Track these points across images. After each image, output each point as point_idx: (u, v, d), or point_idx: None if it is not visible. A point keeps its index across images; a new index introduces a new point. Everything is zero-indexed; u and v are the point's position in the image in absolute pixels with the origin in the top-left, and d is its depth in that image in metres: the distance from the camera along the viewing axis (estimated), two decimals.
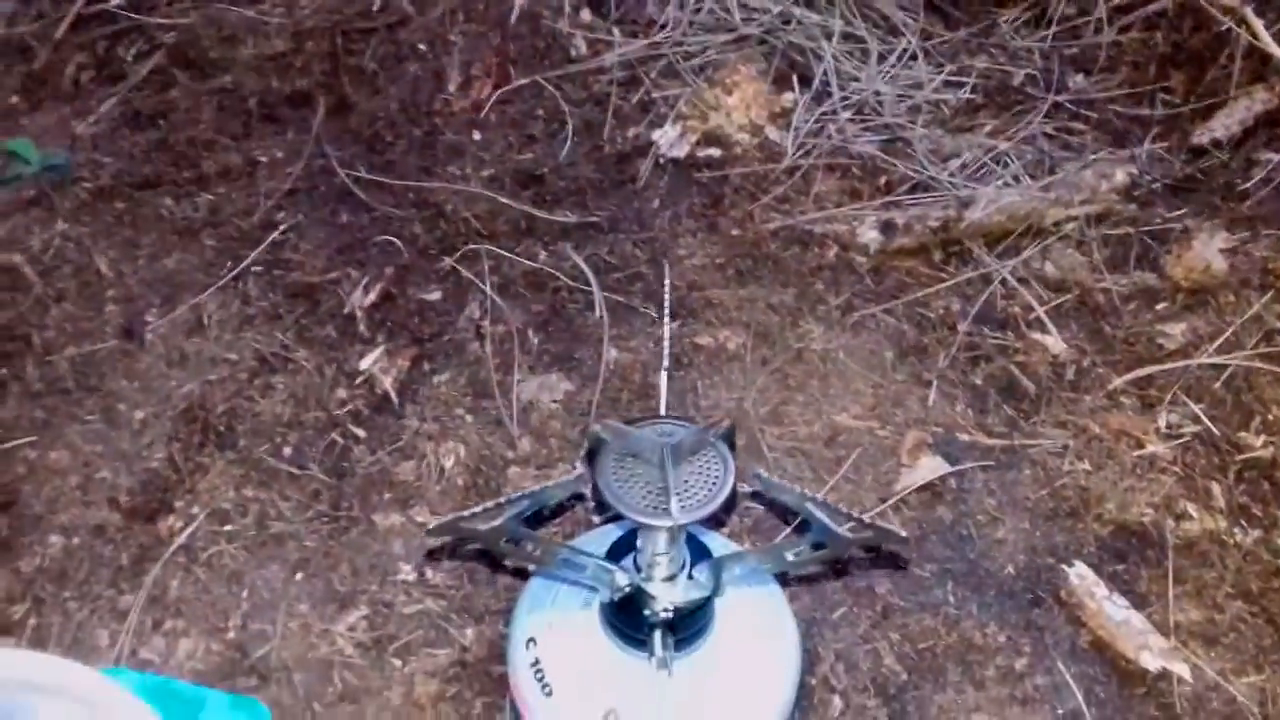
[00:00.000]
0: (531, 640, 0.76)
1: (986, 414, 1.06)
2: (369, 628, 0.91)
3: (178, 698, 0.84)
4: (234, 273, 1.15)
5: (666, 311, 0.83)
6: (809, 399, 1.07)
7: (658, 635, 0.71)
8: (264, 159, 1.27)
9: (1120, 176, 1.21)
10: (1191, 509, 1.00)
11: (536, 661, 0.75)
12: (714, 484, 0.67)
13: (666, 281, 0.74)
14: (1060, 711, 0.89)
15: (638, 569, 0.71)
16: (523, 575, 0.87)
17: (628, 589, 0.71)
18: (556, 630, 0.76)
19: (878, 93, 1.33)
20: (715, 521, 0.95)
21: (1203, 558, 0.98)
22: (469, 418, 1.05)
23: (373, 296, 1.13)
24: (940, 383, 1.08)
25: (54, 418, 1.05)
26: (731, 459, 0.68)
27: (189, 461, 1.02)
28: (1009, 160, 1.26)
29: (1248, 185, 1.23)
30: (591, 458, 0.69)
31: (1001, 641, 0.93)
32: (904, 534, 0.65)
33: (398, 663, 0.89)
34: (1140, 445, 1.04)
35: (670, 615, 0.71)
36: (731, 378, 1.07)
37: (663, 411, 0.72)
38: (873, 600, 0.95)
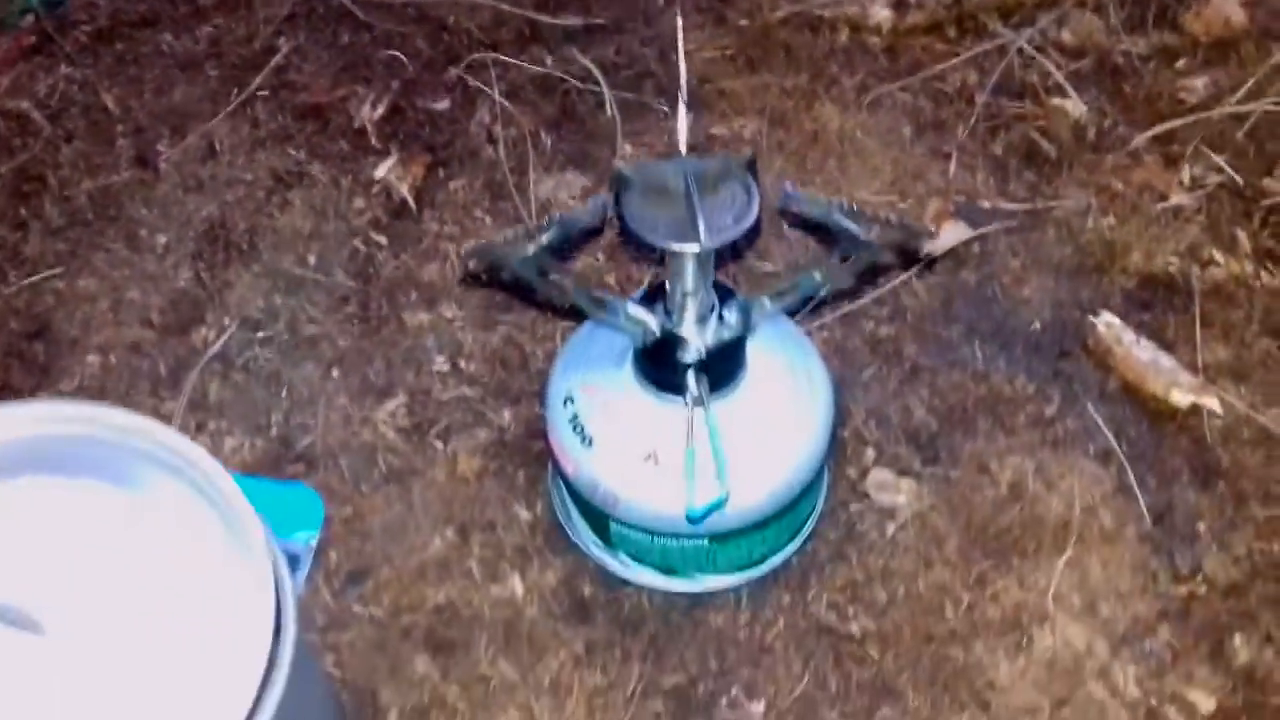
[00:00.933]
0: (569, 398, 0.78)
1: (1008, 180, 1.06)
2: (408, 414, 0.92)
3: None
4: (240, 99, 1.15)
5: (680, 46, 0.81)
6: (828, 179, 1.06)
7: (691, 376, 0.72)
8: None
9: None
10: (1217, 255, 1.00)
11: (575, 416, 0.77)
12: (741, 210, 0.67)
13: (678, 20, 0.74)
14: (1092, 450, 0.91)
15: (668, 314, 0.72)
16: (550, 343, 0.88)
17: (658, 334, 0.72)
18: (592, 385, 0.78)
19: None
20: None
21: (1229, 300, 0.98)
22: (488, 219, 1.05)
23: (381, 110, 1.12)
24: (960, 154, 1.07)
25: (78, 249, 1.06)
26: (755, 185, 0.68)
27: (215, 278, 1.02)
28: None
29: None
30: (617, 199, 0.69)
31: (1030, 391, 0.94)
32: (931, 229, 0.65)
33: (439, 444, 0.91)
34: (1164, 197, 1.03)
35: (703, 357, 0.72)
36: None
37: (683, 151, 0.72)
38: (900, 360, 0.96)
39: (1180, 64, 1.11)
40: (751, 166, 0.69)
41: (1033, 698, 0.80)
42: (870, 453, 0.90)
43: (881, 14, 1.15)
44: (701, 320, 0.72)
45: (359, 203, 1.06)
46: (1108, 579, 0.84)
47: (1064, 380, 0.94)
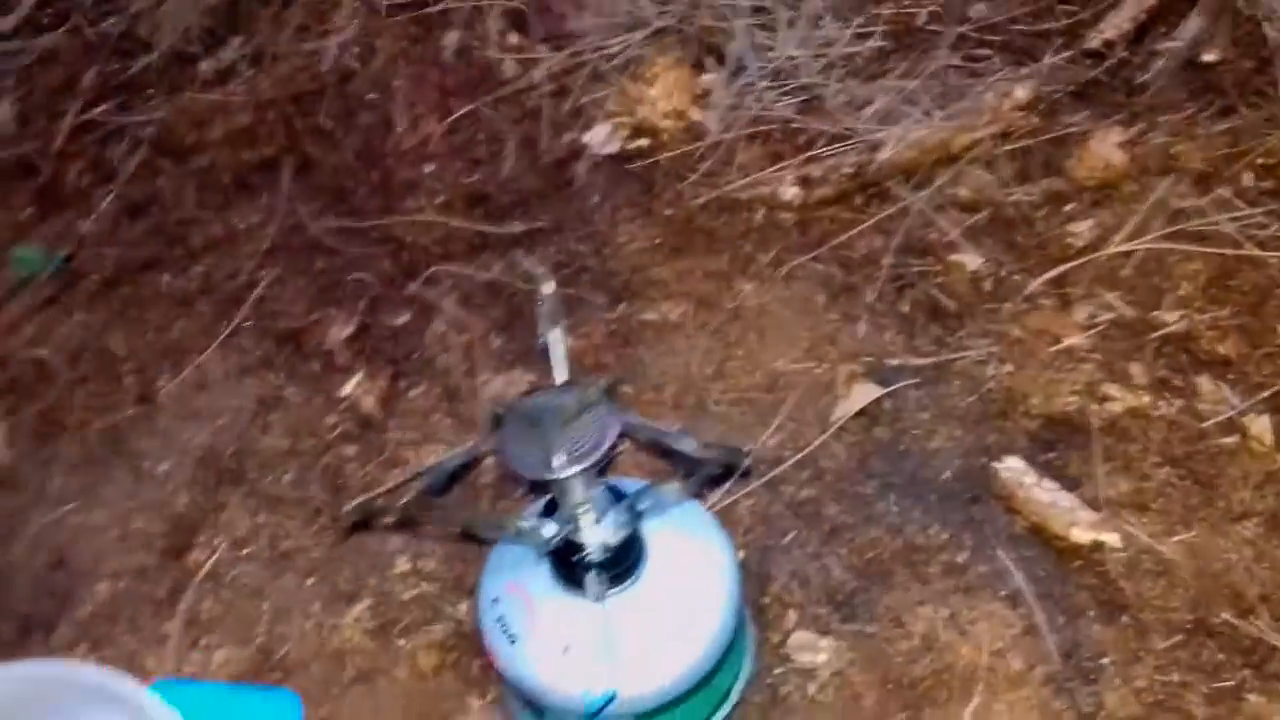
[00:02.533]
0: (496, 598, 0.87)
1: (915, 336, 1.14)
2: (373, 616, 1.02)
3: (217, 695, 0.97)
4: (229, 330, 1.28)
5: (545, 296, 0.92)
6: (748, 352, 1.15)
7: (590, 575, 0.81)
8: (242, 225, 1.39)
9: (1020, 92, 1.27)
10: (1114, 390, 1.07)
11: (501, 617, 0.86)
12: (599, 435, 0.77)
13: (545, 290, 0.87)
14: (1003, 593, 0.97)
15: (566, 521, 0.81)
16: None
17: (557, 541, 0.81)
18: (514, 586, 0.87)
19: (791, 57, 1.40)
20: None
21: (1127, 434, 1.05)
22: (446, 420, 1.16)
23: (350, 329, 1.25)
24: (869, 315, 1.16)
25: (91, 483, 1.19)
26: (613, 413, 0.78)
27: (209, 501, 1.14)
28: (919, 98, 1.33)
29: (1147, 77, 1.29)
30: (497, 429, 0.80)
31: (944, 539, 1.01)
32: (745, 449, 0.75)
33: (402, 642, 1.01)
34: (1058, 340, 1.10)
35: (601, 556, 0.81)
36: (676, 345, 1.17)
37: (558, 380, 0.82)
38: (820, 521, 1.03)
39: (1068, 208, 1.19)
40: (610, 393, 0.79)
41: None
42: (793, 616, 0.98)
43: (791, 190, 1.25)
44: (595, 522, 0.81)
45: (331, 419, 1.18)
46: None
47: (975, 526, 1.01)
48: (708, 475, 0.79)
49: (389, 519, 0.77)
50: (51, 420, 1.26)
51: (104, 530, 1.15)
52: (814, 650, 0.95)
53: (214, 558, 1.09)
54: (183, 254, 1.39)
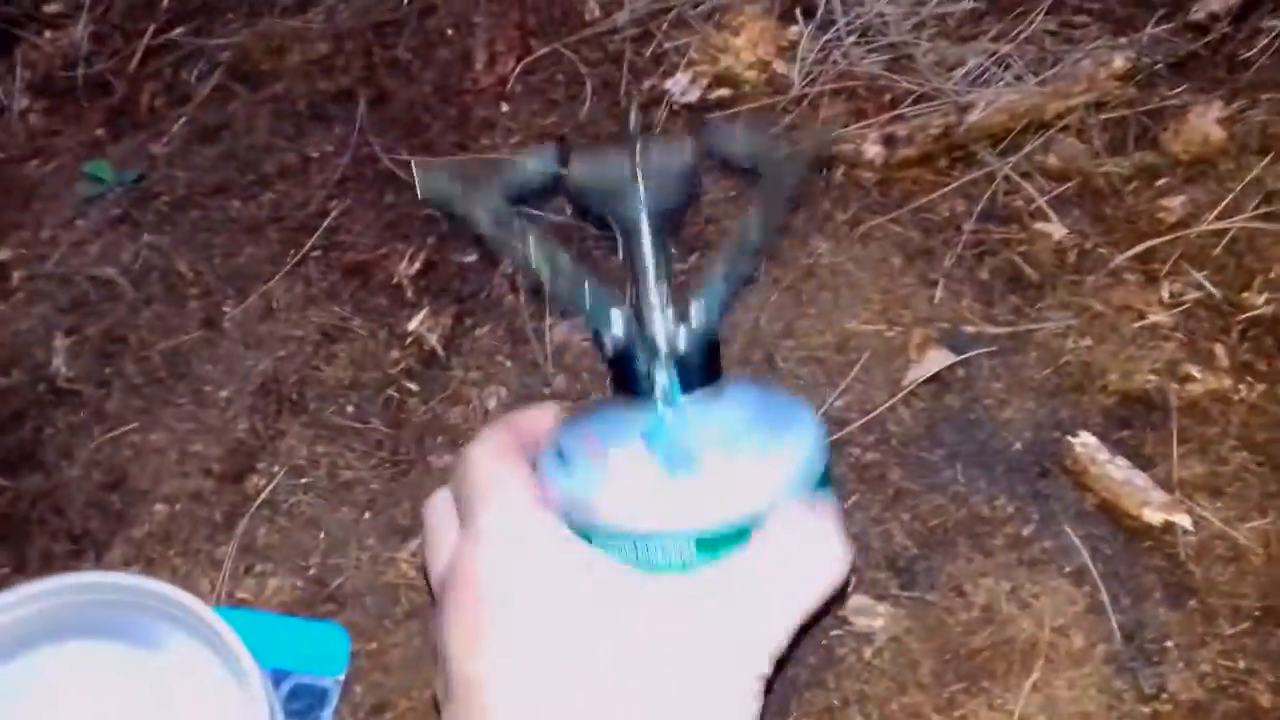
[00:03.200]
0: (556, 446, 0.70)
1: (992, 305, 1.11)
2: None
3: (264, 624, 0.97)
4: (296, 259, 1.28)
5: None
6: (820, 311, 1.13)
7: (659, 368, 0.66)
8: (315, 154, 1.39)
9: (1119, 62, 1.23)
10: (1195, 371, 1.04)
11: (561, 450, 0.70)
12: (680, 162, 0.69)
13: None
14: (1067, 569, 0.95)
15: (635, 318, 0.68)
16: None
17: (624, 337, 0.67)
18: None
19: (881, 14, 1.37)
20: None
21: (1206, 416, 1.02)
22: (508, 363, 1.15)
23: (417, 265, 1.24)
24: (947, 280, 1.13)
25: (152, 405, 1.19)
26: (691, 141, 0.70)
27: (268, 428, 1.14)
28: (1012, 61, 1.29)
29: (1250, 54, 1.24)
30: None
31: (1010, 512, 0.99)
32: (833, 131, 0.66)
33: None
34: (1142, 316, 1.07)
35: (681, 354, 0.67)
36: (747, 300, 1.15)
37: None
38: (884, 486, 1.02)
39: (1161, 183, 1.16)
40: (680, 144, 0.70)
41: None
42: (851, 579, 0.96)
43: (873, 149, 1.22)
44: (667, 313, 0.68)
45: (394, 354, 1.17)
46: (1073, 700, 0.88)
47: (1042, 500, 0.99)
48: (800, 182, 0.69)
49: (458, 207, 0.67)
50: (115, 339, 1.26)
51: (162, 452, 1.15)
52: (871, 615, 0.94)
53: (272, 485, 1.09)
54: (253, 180, 1.38)
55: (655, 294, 0.67)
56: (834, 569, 0.62)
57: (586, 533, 0.66)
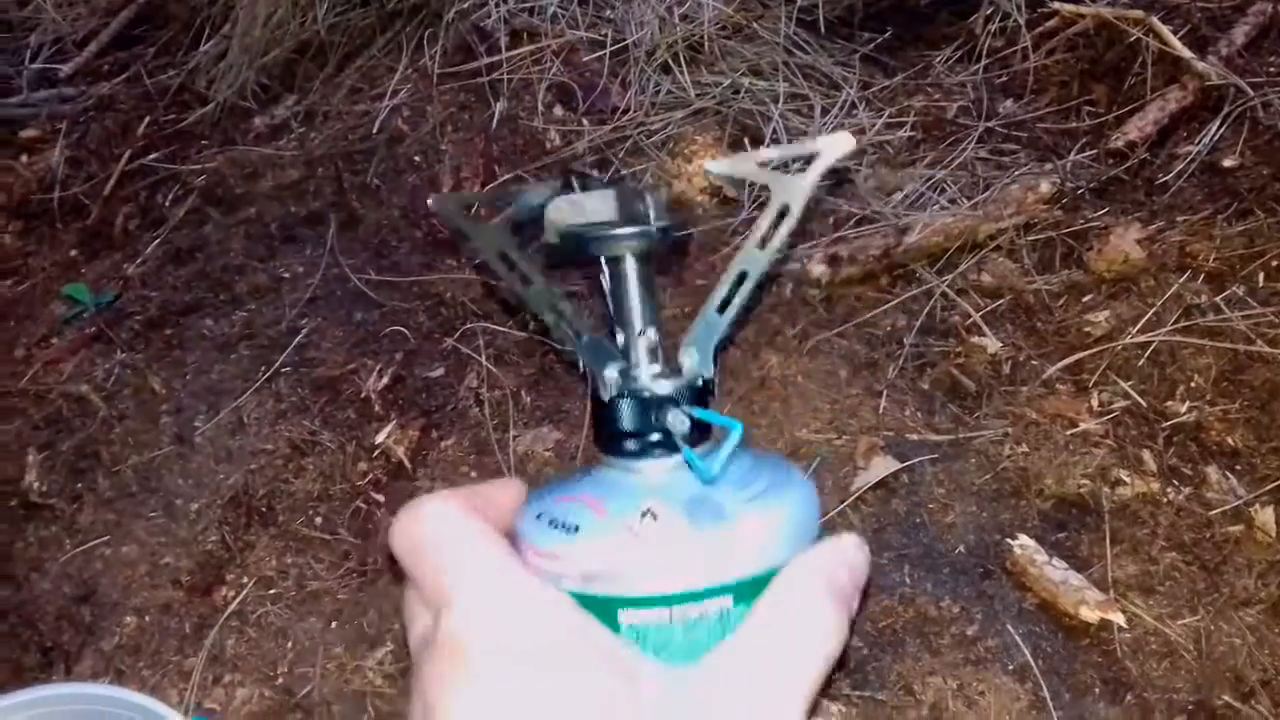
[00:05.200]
0: (539, 515, 0.66)
1: (934, 414, 1.17)
2: (394, 660, 1.05)
3: None
4: (267, 375, 1.32)
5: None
6: (772, 420, 1.19)
7: (674, 412, 0.62)
8: (287, 275, 1.44)
9: (1045, 187, 1.32)
10: (1125, 476, 1.10)
11: (553, 519, 0.63)
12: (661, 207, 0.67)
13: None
14: (1010, 667, 0.99)
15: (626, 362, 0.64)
16: None
17: (619, 385, 0.63)
18: (562, 498, 0.70)
19: None
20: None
21: (1137, 518, 1.07)
22: (473, 473, 1.19)
23: (385, 380, 1.29)
24: (890, 391, 1.19)
25: (124, 518, 1.22)
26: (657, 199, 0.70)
27: (238, 540, 1.17)
28: (946, 186, 1.38)
29: (1167, 178, 1.34)
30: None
31: (955, 612, 1.03)
32: (839, 140, 0.61)
33: None
34: (1074, 424, 1.14)
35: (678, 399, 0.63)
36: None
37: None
38: None
39: (1087, 299, 1.23)
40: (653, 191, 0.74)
41: None
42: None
43: (819, 268, 1.29)
44: (656, 359, 0.64)
45: (362, 466, 1.21)
46: None
47: (986, 600, 1.04)
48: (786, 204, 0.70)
49: (471, 243, 0.68)
50: (87, 455, 1.29)
51: (133, 565, 1.18)
52: (825, 715, 0.97)
53: (241, 596, 1.12)
54: (226, 300, 1.43)
55: (644, 345, 0.64)
56: (834, 635, 0.58)
57: (604, 598, 0.62)
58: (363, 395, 1.28)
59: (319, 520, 1.17)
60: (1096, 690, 0.97)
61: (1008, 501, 1.10)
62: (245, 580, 1.13)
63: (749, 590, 0.61)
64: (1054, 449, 1.13)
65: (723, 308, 0.63)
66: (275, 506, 1.19)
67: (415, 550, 0.56)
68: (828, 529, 1.08)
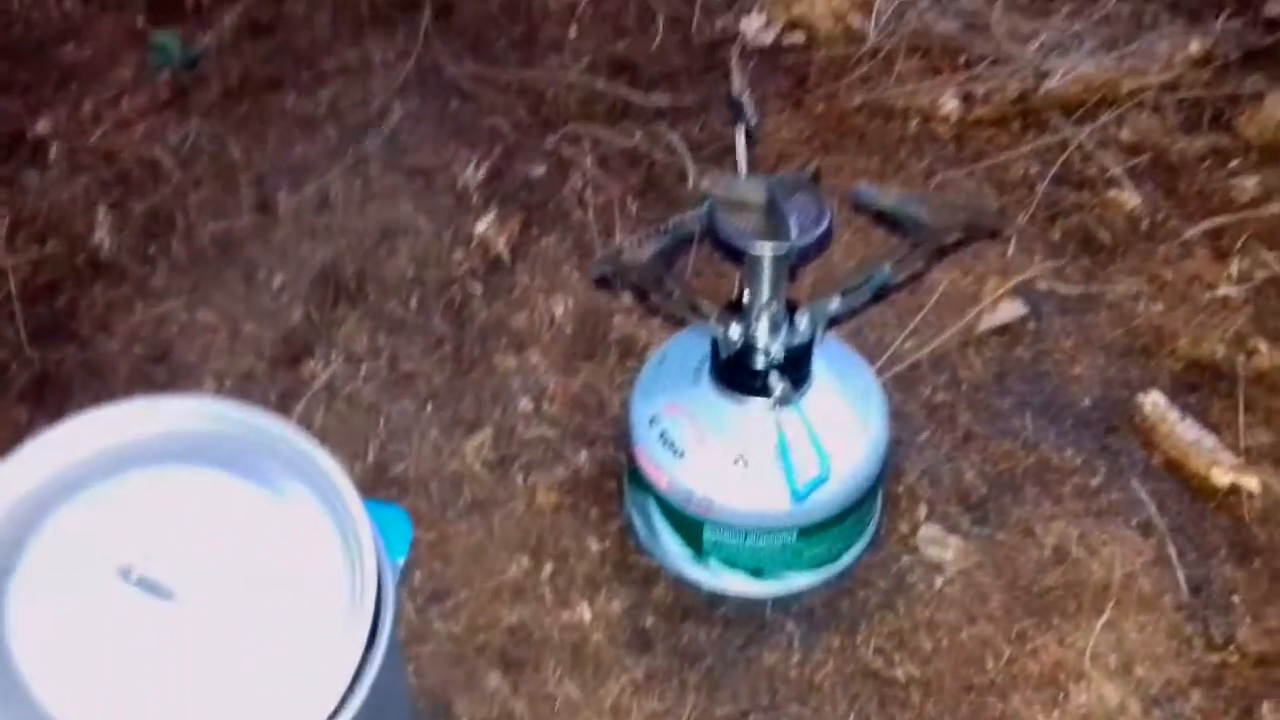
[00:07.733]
0: (654, 419, 0.85)
1: (1064, 264, 1.12)
2: (493, 448, 1.00)
3: None
4: (356, 156, 1.25)
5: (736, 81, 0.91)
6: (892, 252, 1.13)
7: (775, 376, 0.80)
8: (378, 58, 1.36)
9: (1195, 47, 1.25)
10: (1262, 345, 1.05)
11: (664, 433, 0.84)
12: (815, 214, 0.76)
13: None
14: (1134, 522, 0.96)
15: (747, 324, 0.80)
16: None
17: (740, 342, 0.80)
18: (675, 403, 0.85)
19: None
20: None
21: (1273, 389, 1.03)
22: (575, 274, 1.13)
23: (483, 173, 1.22)
24: (1019, 237, 1.14)
25: (200, 284, 1.16)
26: (821, 194, 0.77)
27: (324, 317, 1.12)
28: (1084, 40, 1.30)
29: None
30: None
31: (1078, 463, 1.00)
32: (995, 206, 0.75)
33: (520, 478, 0.99)
34: (1212, 288, 1.09)
35: (783, 359, 0.80)
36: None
37: (742, 169, 0.81)
38: (954, 426, 1.02)
39: (1233, 164, 1.17)
40: (816, 179, 0.78)
41: None
42: (922, 509, 0.96)
43: (950, 104, 1.22)
44: (776, 328, 0.80)
45: (459, 254, 1.15)
46: (1144, 642, 0.89)
47: (1110, 454, 1.00)
48: (940, 244, 0.81)
49: (631, 277, 0.78)
50: (160, 219, 1.23)
51: (211, 330, 1.12)
52: (942, 545, 0.94)
53: (329, 369, 1.07)
54: (310, 78, 1.35)
55: (768, 316, 0.79)
56: None
57: (694, 517, 0.85)
58: (459, 185, 1.21)
59: (413, 303, 1.11)
60: (1223, 552, 0.94)
61: (1138, 359, 1.05)
62: (334, 355, 1.08)
63: (810, 531, 0.86)
64: (1191, 310, 1.08)
65: (846, 293, 0.80)
66: (365, 286, 1.14)
67: None
68: (948, 366, 1.04)
